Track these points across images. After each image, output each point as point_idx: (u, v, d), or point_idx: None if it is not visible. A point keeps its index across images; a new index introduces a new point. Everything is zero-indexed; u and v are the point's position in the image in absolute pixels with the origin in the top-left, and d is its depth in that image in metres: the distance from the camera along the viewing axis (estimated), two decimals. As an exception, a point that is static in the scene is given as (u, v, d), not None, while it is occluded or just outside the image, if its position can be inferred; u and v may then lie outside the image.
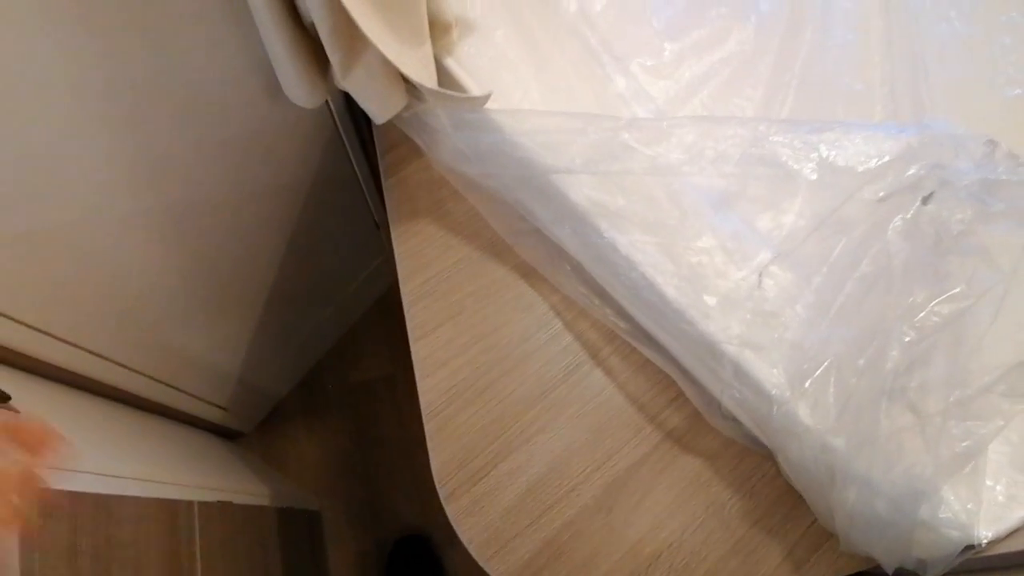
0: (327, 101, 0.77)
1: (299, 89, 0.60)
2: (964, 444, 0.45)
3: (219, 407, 1.03)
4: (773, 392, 0.53)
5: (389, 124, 0.66)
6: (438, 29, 0.62)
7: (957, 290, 0.47)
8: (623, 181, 0.57)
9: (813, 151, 0.49)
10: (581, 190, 0.59)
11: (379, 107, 0.61)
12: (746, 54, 0.68)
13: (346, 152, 0.90)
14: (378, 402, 1.23)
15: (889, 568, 0.50)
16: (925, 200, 0.47)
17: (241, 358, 1.01)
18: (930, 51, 0.68)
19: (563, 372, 0.64)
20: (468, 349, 0.64)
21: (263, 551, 0.81)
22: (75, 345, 0.65)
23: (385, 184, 0.72)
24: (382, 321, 1.29)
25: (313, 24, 0.53)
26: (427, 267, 0.67)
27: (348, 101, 0.81)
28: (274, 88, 0.63)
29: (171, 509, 0.63)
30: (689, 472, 0.59)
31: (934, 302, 0.47)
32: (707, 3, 0.71)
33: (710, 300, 0.55)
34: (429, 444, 0.60)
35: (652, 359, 0.62)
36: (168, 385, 0.85)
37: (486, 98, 0.58)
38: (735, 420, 0.59)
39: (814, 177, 0.49)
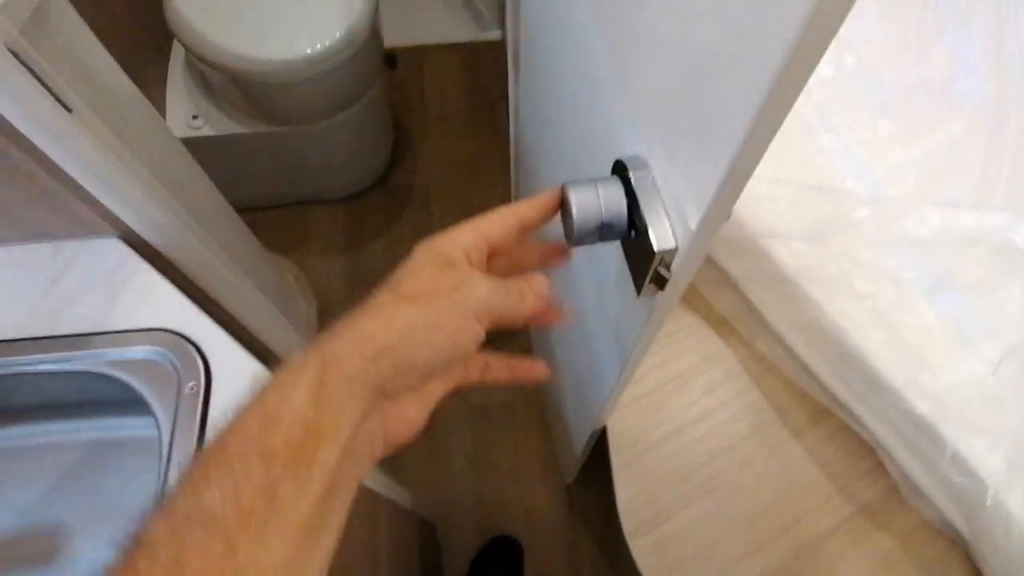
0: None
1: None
2: None
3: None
4: (989, 479, 0.52)
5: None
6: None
7: None
8: (848, 250, 0.58)
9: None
10: (790, 253, 0.60)
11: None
12: (954, 146, 0.69)
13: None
14: (495, 428, 1.24)
15: None
16: None
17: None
18: None
19: (748, 428, 0.64)
20: (657, 389, 0.66)
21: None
22: None
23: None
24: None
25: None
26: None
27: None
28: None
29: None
30: (881, 550, 0.58)
31: None
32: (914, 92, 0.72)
33: (930, 380, 0.55)
34: (616, 477, 0.62)
35: (851, 426, 0.62)
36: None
37: None
38: (931, 500, 0.58)
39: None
